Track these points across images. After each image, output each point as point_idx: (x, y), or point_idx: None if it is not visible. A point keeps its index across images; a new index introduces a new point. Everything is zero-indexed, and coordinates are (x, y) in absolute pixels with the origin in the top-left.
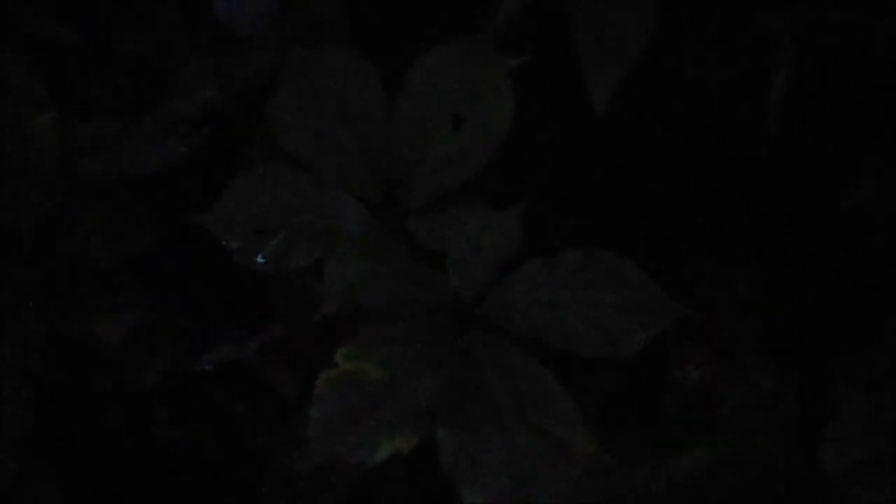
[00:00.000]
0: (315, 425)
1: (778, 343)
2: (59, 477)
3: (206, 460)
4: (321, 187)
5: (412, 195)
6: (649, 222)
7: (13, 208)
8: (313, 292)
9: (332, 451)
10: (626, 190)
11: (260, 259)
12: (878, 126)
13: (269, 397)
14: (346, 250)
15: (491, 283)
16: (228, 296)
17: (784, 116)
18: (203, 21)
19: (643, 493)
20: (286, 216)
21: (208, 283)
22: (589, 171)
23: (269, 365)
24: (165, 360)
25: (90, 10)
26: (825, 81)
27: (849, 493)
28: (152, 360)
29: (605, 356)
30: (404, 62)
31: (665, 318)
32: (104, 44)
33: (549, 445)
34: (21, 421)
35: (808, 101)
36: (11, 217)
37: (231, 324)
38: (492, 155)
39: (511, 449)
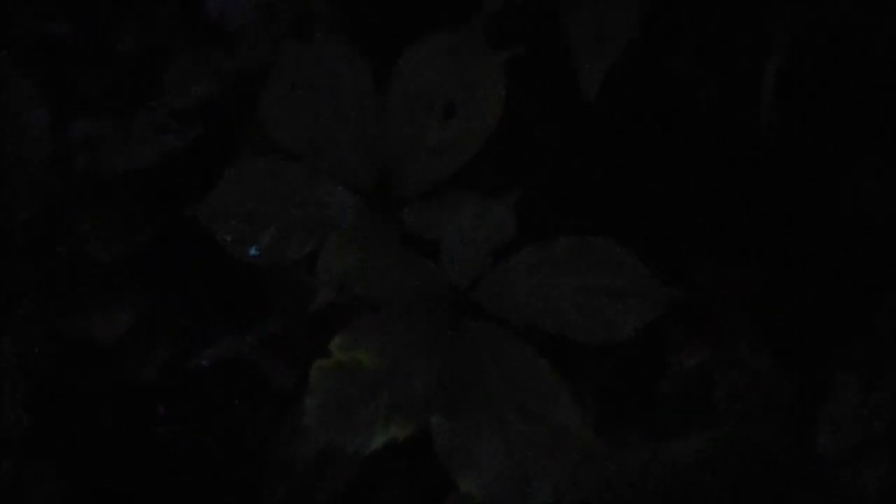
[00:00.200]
0: (311, 414)
1: (775, 331)
2: (58, 475)
3: (204, 456)
4: (314, 179)
5: (405, 185)
6: (648, 222)
7: (9, 206)
8: (308, 284)
9: (329, 439)
10: (626, 189)
11: (253, 251)
12: (878, 126)
13: (267, 392)
14: (339, 241)
15: (485, 270)
16: (225, 292)
17: (782, 113)
18: (195, 16)
19: (640, 480)
20: (279, 208)
21: (205, 279)
22: (588, 170)
23: (266, 359)
24: (163, 357)
25: (85, 8)
26: (825, 81)
27: (844, 476)
28: (150, 357)
29: (599, 342)
30: (395, 56)
31: (658, 304)
32: (99, 41)
33: (544, 432)
34: (19, 419)
35: (808, 101)
36: (7, 214)
37: (228, 320)
38: (484, 143)
39: (507, 435)
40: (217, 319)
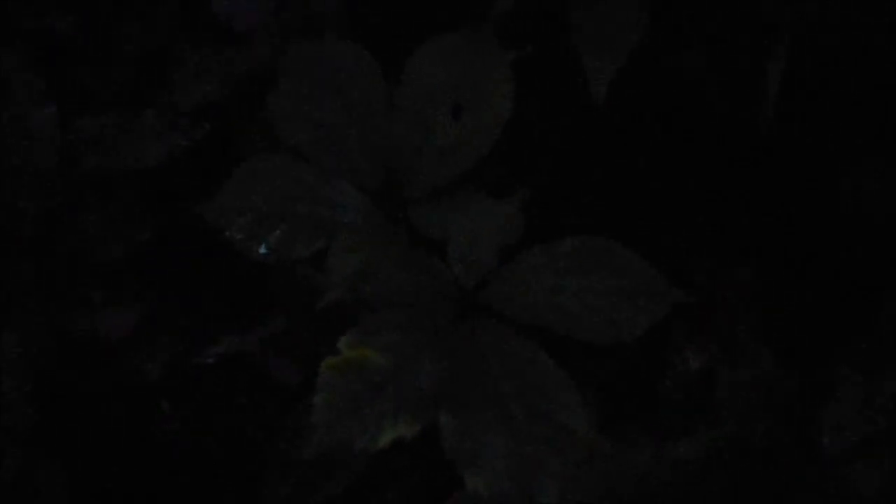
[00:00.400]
0: (318, 412)
1: (776, 331)
2: (63, 471)
3: (208, 453)
4: (322, 178)
5: (413, 184)
6: (649, 222)
7: (14, 203)
8: (315, 282)
9: (336, 437)
10: (626, 189)
11: (262, 250)
12: (878, 126)
13: (271, 389)
14: (347, 240)
15: (492, 270)
16: (229, 289)
17: (783, 113)
18: (203, 15)
19: (644, 478)
20: (288, 206)
21: (209, 277)
22: (589, 170)
23: (271, 357)
24: (167, 354)
25: (91, 5)
26: (825, 81)
27: (846, 475)
28: (155, 354)
29: (605, 342)
30: (403, 56)
31: (665, 304)
32: (104, 39)
33: (550, 430)
34: (24, 416)
35: (808, 101)
36: (12, 212)
37: (232, 318)
38: (492, 144)
39: (513, 433)
40: (221, 317)
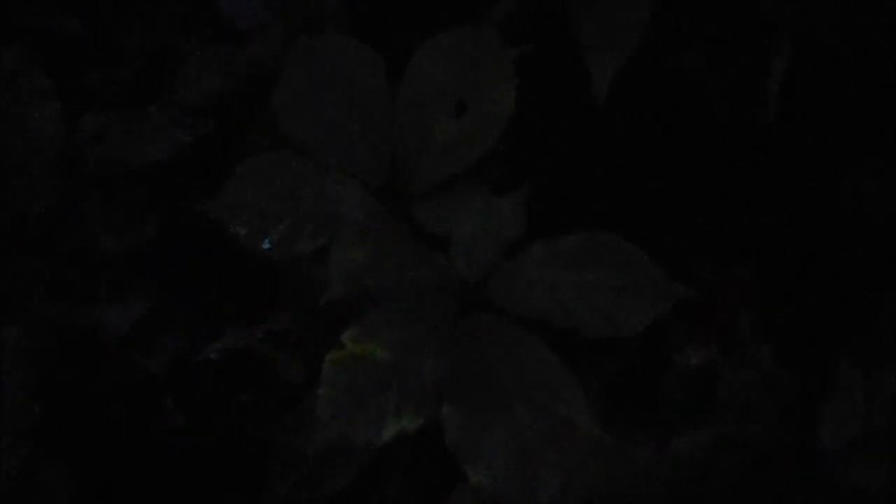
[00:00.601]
0: (323, 406)
1: (776, 329)
2: (66, 469)
3: (211, 449)
4: (325, 173)
5: (416, 180)
6: (649, 221)
7: (18, 199)
8: (318, 278)
9: (340, 431)
10: (627, 189)
11: (266, 244)
12: (878, 126)
13: (274, 385)
14: (351, 235)
15: (494, 265)
16: (233, 285)
17: (782, 113)
18: (206, 13)
19: (645, 474)
20: (291, 202)
21: (212, 273)
22: (590, 170)
23: (274, 352)
24: (171, 351)
25: (94, 4)
26: (825, 81)
27: (847, 472)
28: (159, 350)
29: (607, 336)
30: (405, 54)
31: (666, 299)
32: (108, 36)
33: (553, 425)
34: (27, 411)
35: (808, 101)
36: (16, 208)
37: (236, 313)
38: (495, 141)
39: (515, 427)
40: (224, 314)
